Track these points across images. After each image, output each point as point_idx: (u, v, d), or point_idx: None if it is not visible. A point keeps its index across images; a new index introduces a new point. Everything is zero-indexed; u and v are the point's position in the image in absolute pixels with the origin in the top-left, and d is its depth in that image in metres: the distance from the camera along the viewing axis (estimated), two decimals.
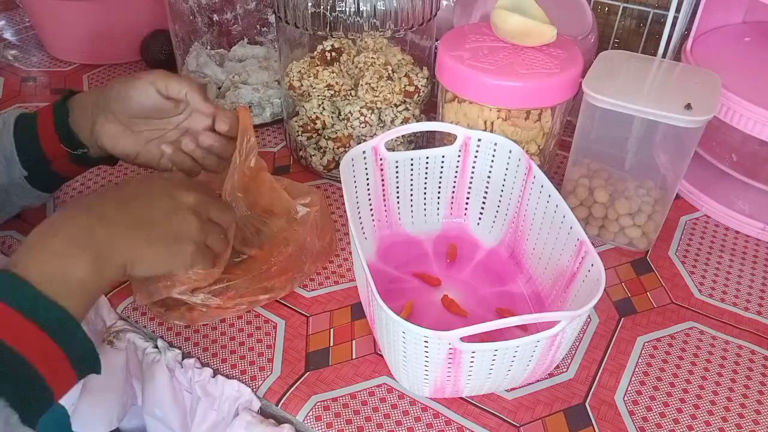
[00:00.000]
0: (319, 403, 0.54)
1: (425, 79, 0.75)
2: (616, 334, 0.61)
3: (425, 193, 0.69)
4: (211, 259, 0.53)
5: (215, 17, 0.91)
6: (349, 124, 0.75)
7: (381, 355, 0.58)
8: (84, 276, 0.44)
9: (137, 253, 0.48)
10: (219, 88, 0.90)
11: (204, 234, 0.52)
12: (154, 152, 0.60)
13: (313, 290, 0.64)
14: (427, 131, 0.72)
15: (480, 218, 0.70)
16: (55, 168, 0.62)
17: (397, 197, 0.68)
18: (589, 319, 0.62)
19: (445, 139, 0.70)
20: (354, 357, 0.58)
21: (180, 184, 0.52)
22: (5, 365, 0.40)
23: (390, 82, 0.73)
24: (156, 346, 0.60)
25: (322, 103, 0.76)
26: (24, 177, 0.61)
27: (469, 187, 0.69)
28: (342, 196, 0.62)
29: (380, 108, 0.74)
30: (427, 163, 0.67)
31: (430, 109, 0.80)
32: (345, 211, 0.58)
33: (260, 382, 0.56)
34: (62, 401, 0.50)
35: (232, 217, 0.56)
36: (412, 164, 0.66)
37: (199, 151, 0.60)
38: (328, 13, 0.68)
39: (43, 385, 0.41)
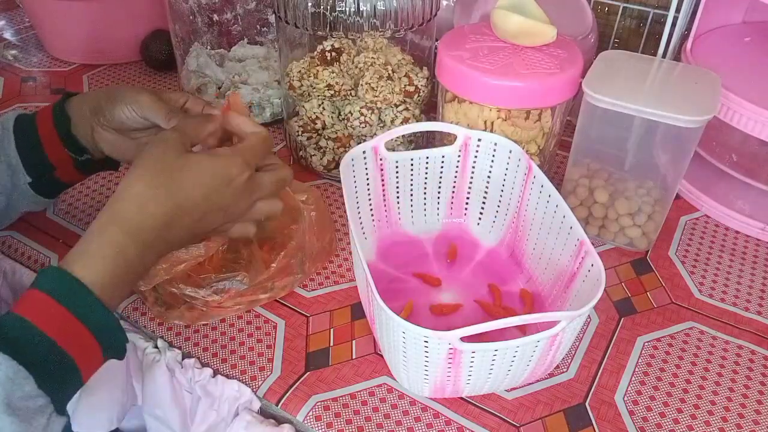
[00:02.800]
0: (319, 403, 0.54)
1: (425, 79, 0.75)
2: (616, 334, 0.61)
3: (425, 193, 0.69)
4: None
5: (215, 17, 0.91)
6: (349, 124, 0.75)
7: (381, 355, 0.58)
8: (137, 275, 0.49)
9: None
10: (219, 88, 0.90)
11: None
12: None
13: (313, 290, 0.64)
14: (427, 131, 0.72)
15: (480, 218, 0.70)
16: (60, 174, 0.62)
17: (397, 197, 0.68)
18: (589, 319, 0.62)
19: (445, 139, 0.70)
20: (354, 357, 0.58)
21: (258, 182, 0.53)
22: (53, 359, 0.42)
23: (390, 82, 0.73)
24: (156, 346, 0.60)
25: (322, 103, 0.76)
26: (28, 183, 0.61)
27: (469, 187, 0.69)
28: (342, 196, 0.62)
29: (380, 108, 0.74)
30: (427, 163, 0.67)
31: (430, 109, 0.80)
32: (345, 211, 0.58)
33: (260, 382, 0.56)
34: None
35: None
36: (412, 164, 0.66)
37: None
38: (328, 13, 0.68)
39: (77, 372, 0.44)
